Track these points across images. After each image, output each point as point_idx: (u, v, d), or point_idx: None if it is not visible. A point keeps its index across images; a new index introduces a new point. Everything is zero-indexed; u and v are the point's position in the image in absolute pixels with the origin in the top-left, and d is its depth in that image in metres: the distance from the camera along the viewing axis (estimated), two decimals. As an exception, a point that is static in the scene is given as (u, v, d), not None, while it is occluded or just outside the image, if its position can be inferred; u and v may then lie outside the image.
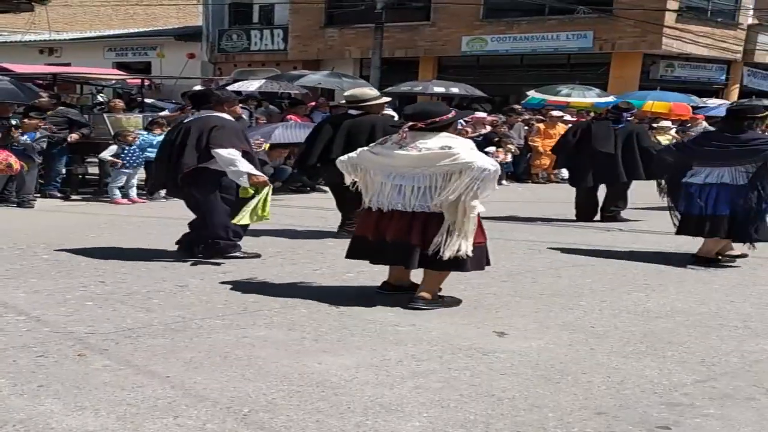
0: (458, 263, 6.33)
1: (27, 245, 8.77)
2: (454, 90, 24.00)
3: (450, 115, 6.52)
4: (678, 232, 9.09)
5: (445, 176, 6.26)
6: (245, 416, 4.19)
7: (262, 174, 8.19)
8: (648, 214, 12.55)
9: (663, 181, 9.43)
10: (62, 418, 4.05)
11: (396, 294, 6.66)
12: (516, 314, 6.37)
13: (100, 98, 22.55)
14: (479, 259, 6.50)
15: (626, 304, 6.85)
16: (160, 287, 7.00)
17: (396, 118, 11.78)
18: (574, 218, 12.11)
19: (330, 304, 6.47)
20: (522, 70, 31.69)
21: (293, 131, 14.80)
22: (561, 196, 14.20)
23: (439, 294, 6.60)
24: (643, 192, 12.29)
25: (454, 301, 6.59)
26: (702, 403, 4.56)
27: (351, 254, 6.87)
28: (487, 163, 6.35)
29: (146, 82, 24.87)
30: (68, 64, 33.62)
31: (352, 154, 6.81)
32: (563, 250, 9.33)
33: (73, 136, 13.04)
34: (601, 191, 12.36)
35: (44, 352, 5.08)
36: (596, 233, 10.94)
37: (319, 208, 12.65)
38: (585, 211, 12.16)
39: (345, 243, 9.12)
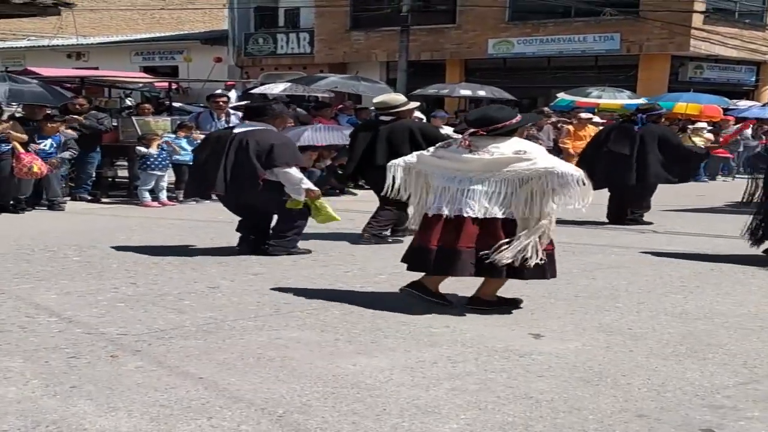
0: (542, 271, 6.24)
1: (58, 247, 8.78)
2: (481, 93, 23.90)
3: (514, 120, 6.31)
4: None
5: (521, 181, 6.09)
6: (280, 417, 4.13)
7: (317, 188, 8.67)
8: (683, 215, 12.42)
9: (754, 184, 9.37)
10: (95, 419, 4.02)
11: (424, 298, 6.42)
12: (551, 316, 6.28)
13: (128, 102, 22.63)
14: (552, 265, 6.36)
15: (664, 305, 6.74)
16: (191, 288, 6.96)
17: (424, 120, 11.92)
18: (606, 220, 12.00)
19: (362, 306, 6.41)
20: (549, 72, 31.58)
21: (322, 134, 14.80)
22: (594, 199, 14.08)
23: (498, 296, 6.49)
24: (681, 192, 12.15)
25: (516, 303, 6.51)
26: (745, 405, 4.46)
27: (414, 266, 6.51)
28: (570, 168, 6.24)
29: (173, 86, 24.94)
30: (96, 68, 33.78)
31: (409, 158, 6.62)
32: (597, 252, 9.23)
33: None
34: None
35: (76, 353, 5.05)
36: (630, 235, 10.82)
37: (348, 210, 12.58)
38: (614, 213, 12.04)
39: (375, 245, 9.13)
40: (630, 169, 11.66)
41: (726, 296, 7.17)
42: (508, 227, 6.12)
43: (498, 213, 6.12)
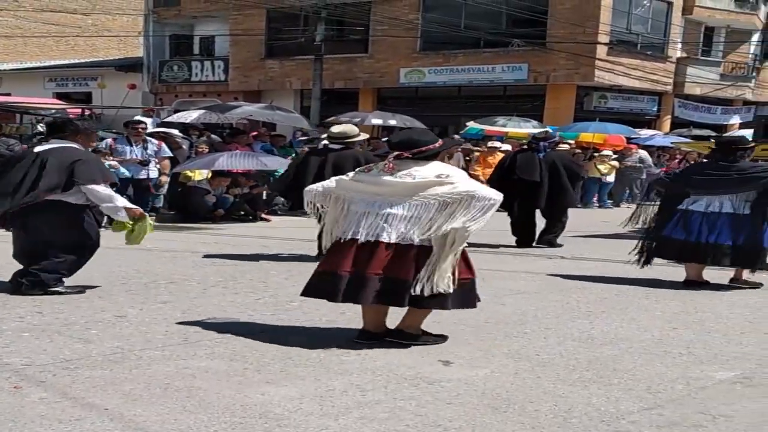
0: (441, 300, 6.02)
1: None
2: (392, 122, 24.10)
3: (437, 144, 6.24)
4: (657, 256, 9.40)
5: (440, 205, 5.96)
6: (187, 449, 4.08)
7: (137, 207, 8.13)
8: (589, 241, 12.64)
9: (640, 208, 9.73)
10: (-4, 454, 3.92)
11: (373, 342, 6.19)
12: (460, 343, 6.31)
13: (39, 128, 22.30)
14: (467, 296, 6.18)
15: (571, 331, 6.83)
16: (98, 317, 6.85)
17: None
18: (514, 245, 12.26)
19: (273, 334, 6.37)
20: (460, 101, 32.03)
21: (238, 159, 14.79)
22: (498, 225, 14.25)
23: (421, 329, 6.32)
24: (585, 219, 12.42)
25: (441, 338, 6.35)
26: (649, 431, 4.53)
27: (311, 293, 6.32)
28: (492, 192, 6.16)
29: (87, 112, 24.64)
30: (8, 94, 33.26)
31: (327, 183, 6.51)
32: (506, 278, 9.33)
33: None
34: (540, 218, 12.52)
35: (-22, 384, 4.93)
36: (538, 260, 10.97)
37: (261, 236, 12.55)
38: (522, 237, 12.42)
39: (285, 271, 9.09)
40: (542, 194, 12.06)
41: (631, 321, 7.30)
42: (423, 254, 5.98)
43: (415, 239, 5.97)
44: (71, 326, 6.52)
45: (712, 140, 21.04)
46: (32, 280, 7.76)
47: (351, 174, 6.48)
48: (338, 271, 6.06)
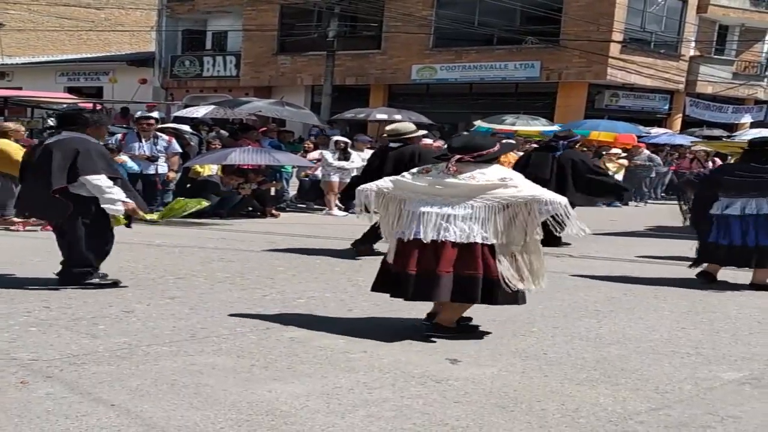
0: (514, 296, 6.24)
1: (-31, 270, 8.59)
2: (398, 117, 24.10)
3: (496, 148, 6.47)
4: (701, 261, 9.29)
5: (503, 207, 6.13)
6: (193, 445, 4.08)
7: (132, 201, 7.95)
8: (598, 239, 12.59)
9: (686, 208, 9.72)
10: (1, 449, 3.93)
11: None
12: (468, 341, 6.29)
13: (50, 122, 22.38)
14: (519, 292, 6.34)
15: (579, 330, 6.82)
16: (106, 313, 6.85)
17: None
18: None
19: (280, 331, 6.37)
20: (471, 98, 31.99)
21: (249, 155, 14.81)
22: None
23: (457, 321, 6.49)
24: (594, 218, 12.34)
25: (475, 331, 6.53)
26: (657, 431, 4.51)
27: (380, 288, 6.53)
28: (555, 196, 6.27)
29: (98, 107, 24.66)
30: (19, 88, 33.36)
31: (383, 182, 6.59)
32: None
33: None
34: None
35: (-15, 379, 4.94)
36: (546, 259, 10.89)
37: (269, 233, 12.55)
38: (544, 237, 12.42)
39: (292, 267, 9.09)
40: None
41: (639, 321, 7.28)
42: (487, 252, 6.14)
43: (477, 238, 6.12)
44: (79, 321, 6.53)
45: (725, 141, 21.03)
46: (65, 276, 7.86)
47: (408, 174, 6.57)
48: (406, 270, 6.22)
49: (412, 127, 10.60)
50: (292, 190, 18.26)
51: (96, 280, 7.92)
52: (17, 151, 11.44)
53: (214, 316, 6.85)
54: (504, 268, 6.16)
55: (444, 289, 6.15)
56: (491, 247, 6.16)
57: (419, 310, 6.59)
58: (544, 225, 11.74)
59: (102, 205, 7.74)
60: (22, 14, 43.03)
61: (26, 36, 44.16)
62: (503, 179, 6.24)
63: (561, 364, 5.78)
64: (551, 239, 12.20)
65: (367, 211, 6.60)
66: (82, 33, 44.68)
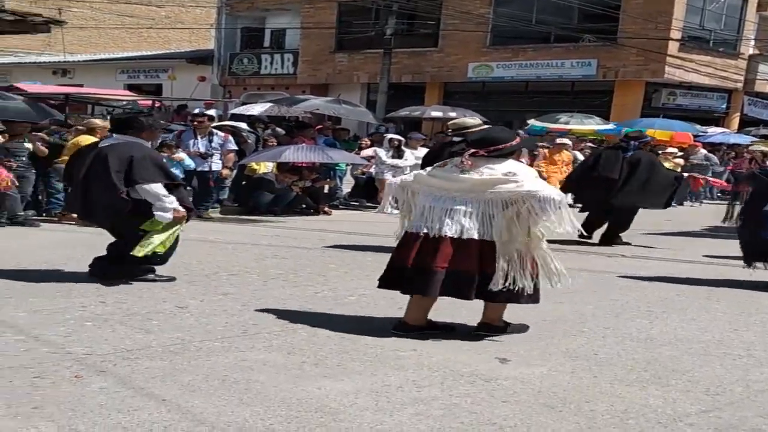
0: (515, 295, 6.11)
1: (29, 264, 8.73)
2: (452, 114, 24.05)
3: (514, 142, 6.33)
4: (751, 258, 9.16)
5: (504, 203, 6.04)
6: (242, 441, 4.13)
7: (182, 209, 8.04)
8: (652, 239, 12.51)
9: (734, 208, 9.60)
10: (55, 441, 4.01)
11: (411, 334, 6.25)
12: (518, 340, 6.29)
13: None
14: (534, 291, 6.23)
15: (630, 331, 6.78)
16: (159, 308, 6.95)
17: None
18: (578, 238, 12.21)
19: (330, 328, 6.40)
20: (526, 96, 31.87)
21: (303, 153, 14.87)
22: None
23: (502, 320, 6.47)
24: (648, 220, 12.29)
25: (522, 327, 6.53)
26: (706, 433, 4.49)
27: (386, 284, 6.46)
28: (554, 192, 6.14)
29: (157, 104, 24.95)
30: (81, 85, 33.81)
31: (407, 177, 6.69)
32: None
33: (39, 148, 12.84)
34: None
35: (41, 372, 5.03)
36: (597, 259, 10.88)
37: (322, 230, 12.61)
38: (606, 236, 12.39)
39: (344, 265, 9.13)
40: (616, 192, 11.96)
41: (691, 322, 7.22)
42: (486, 249, 6.06)
43: (474, 234, 6.06)
44: (133, 316, 6.63)
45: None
46: (121, 271, 7.98)
47: (429, 169, 6.61)
48: (404, 263, 6.21)
49: (477, 121, 10.45)
50: (347, 187, 18.33)
51: (152, 276, 8.07)
52: None
53: (266, 313, 6.91)
54: (503, 265, 6.02)
55: (437, 284, 6.09)
56: (492, 244, 6.06)
57: (469, 309, 6.58)
58: (598, 223, 11.46)
59: (154, 212, 7.82)
60: (84, 12, 43.61)
61: (88, 33, 44.74)
62: (507, 174, 6.12)
63: (611, 364, 5.76)
64: (609, 238, 12.23)
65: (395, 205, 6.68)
66: (142, 30, 45.17)
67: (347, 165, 17.74)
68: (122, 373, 5.12)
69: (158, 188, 7.82)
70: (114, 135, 8.24)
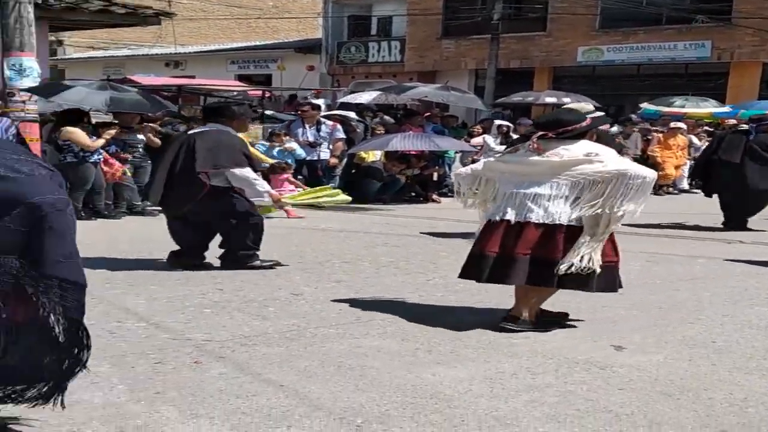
0: (585, 281, 5.92)
1: (149, 252, 8.96)
2: (566, 100, 23.75)
3: (584, 123, 6.13)
4: None
5: (591, 184, 5.86)
6: (358, 427, 4.18)
7: (276, 192, 8.30)
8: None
9: None
10: (177, 426, 4.11)
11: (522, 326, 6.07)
12: (633, 328, 6.21)
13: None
14: (611, 279, 6.06)
15: (749, 318, 6.62)
16: (275, 295, 7.06)
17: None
18: (717, 226, 12.24)
19: (443, 315, 6.42)
20: (638, 80, 31.33)
21: (410, 141, 14.87)
22: (680, 208, 13.97)
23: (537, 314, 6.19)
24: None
25: (555, 321, 6.27)
26: (830, 423, 4.37)
27: (467, 274, 6.31)
28: (644, 170, 5.98)
29: (266, 94, 25.24)
30: (192, 77, 34.41)
31: (475, 165, 6.57)
32: (681, 263, 9.11)
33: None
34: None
35: (162, 358, 5.17)
36: (715, 245, 10.65)
37: (432, 218, 12.63)
38: (733, 220, 12.26)
39: (455, 252, 9.13)
40: (737, 176, 11.78)
41: (814, 309, 7.03)
42: (572, 234, 5.89)
43: (563, 218, 5.90)
44: (250, 303, 6.75)
45: None
46: (228, 260, 8.16)
47: (498, 155, 6.50)
48: (485, 251, 6.07)
49: (590, 107, 10.30)
50: (456, 175, 18.30)
51: (258, 262, 8.18)
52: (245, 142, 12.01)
53: (379, 300, 6.96)
54: (587, 250, 5.82)
55: (519, 272, 5.94)
56: (578, 228, 5.89)
57: (582, 297, 6.52)
58: (733, 210, 11.09)
59: (249, 197, 7.97)
60: (194, 3, 44.31)
61: (198, 25, 45.46)
62: (588, 154, 5.93)
63: (730, 352, 5.64)
64: (735, 224, 12.00)
65: (462, 194, 6.51)
66: (251, 21, 45.68)
67: (456, 153, 17.71)
68: (240, 358, 5.22)
69: (249, 172, 7.96)
70: (207, 123, 8.35)
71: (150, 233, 10.47)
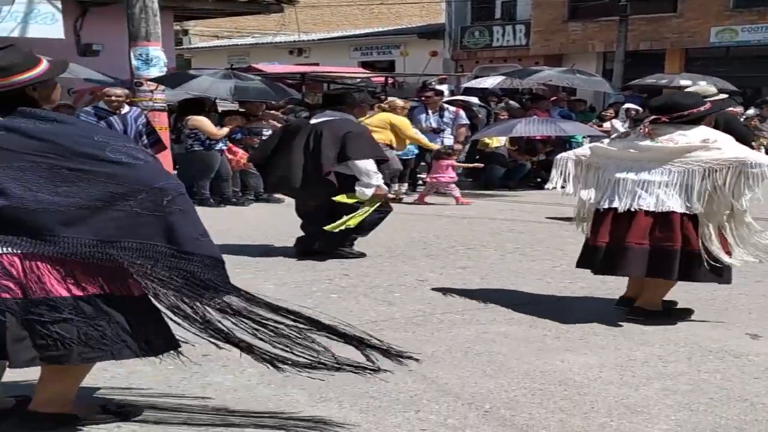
0: (719, 273, 5.74)
1: (275, 239, 9.07)
2: (702, 83, 23.08)
3: (702, 108, 5.90)
4: None
5: (707, 172, 5.65)
6: (486, 412, 4.15)
7: (385, 188, 8.19)
8: None
9: None
10: (307, 408, 4.15)
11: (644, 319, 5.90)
12: (770, 317, 6.03)
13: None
14: (728, 269, 5.84)
15: None
16: (401, 281, 7.08)
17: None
18: None
19: (571, 302, 6.35)
20: (776, 61, 30.31)
21: (535, 126, 14.68)
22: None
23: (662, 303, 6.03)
24: None
25: (686, 312, 6.05)
26: None
27: (582, 263, 6.13)
28: (762, 158, 5.75)
29: (389, 81, 25.31)
30: (316, 64, 34.75)
31: (581, 150, 6.30)
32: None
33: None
34: None
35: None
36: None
37: (557, 203, 12.46)
38: None
39: (583, 238, 8.99)
40: None
41: None
42: (688, 222, 5.69)
43: (676, 206, 5.69)
44: (376, 289, 6.78)
45: None
46: (324, 243, 8.11)
47: (606, 140, 6.32)
48: (596, 242, 5.90)
49: (713, 90, 9.99)
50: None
51: (347, 250, 8.17)
52: (408, 127, 12.47)
53: (505, 286, 6.92)
54: (707, 240, 5.64)
55: (634, 262, 5.73)
56: (693, 216, 5.67)
57: (717, 286, 6.32)
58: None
59: (357, 186, 7.92)
60: (316, -9, 44.72)
61: (320, 12, 45.81)
62: (705, 141, 5.69)
63: None
64: None
65: (566, 180, 6.21)
66: (373, 6, 45.84)
67: (584, 137, 17.43)
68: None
69: (370, 164, 7.94)
70: (326, 111, 8.33)
71: (277, 220, 10.62)
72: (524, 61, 33.83)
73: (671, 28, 31.75)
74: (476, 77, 26.50)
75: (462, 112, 15.26)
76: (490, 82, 21.83)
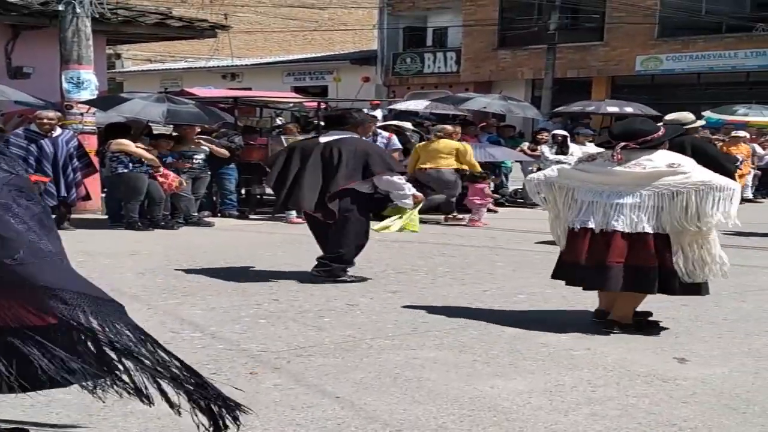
0: (696, 287, 6.11)
1: (205, 263, 8.96)
2: (628, 109, 23.47)
3: (662, 133, 6.24)
4: None
5: (674, 194, 5.94)
6: (415, 439, 4.10)
7: (419, 193, 8.47)
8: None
9: None
10: (233, 436, 4.06)
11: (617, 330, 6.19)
12: (697, 340, 6.08)
13: (278, 121, 23.11)
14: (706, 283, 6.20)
15: (817, 331, 6.45)
16: (331, 306, 7.02)
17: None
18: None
19: (501, 326, 6.33)
20: (699, 88, 30.98)
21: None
22: (744, 217, 13.71)
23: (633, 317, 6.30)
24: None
25: (654, 328, 6.31)
26: None
27: (559, 276, 6.46)
28: (728, 181, 6.09)
29: (322, 105, 25.24)
30: (249, 89, 34.62)
31: (549, 172, 6.59)
32: (747, 273, 8.90)
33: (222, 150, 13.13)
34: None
35: (217, 369, 5.13)
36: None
37: (487, 228, 12.53)
38: None
39: (512, 263, 9.04)
40: None
41: None
42: (660, 242, 6.00)
43: (647, 227, 5.99)
44: (305, 314, 6.71)
45: None
46: (324, 270, 8.07)
47: (574, 163, 6.54)
48: (578, 260, 6.16)
49: (691, 117, 10.27)
50: (514, 184, 18.14)
51: (348, 278, 8.13)
52: (471, 153, 13.33)
53: (436, 311, 6.89)
54: (681, 258, 5.98)
55: (614, 279, 6.03)
56: (665, 236, 5.98)
57: (648, 307, 6.39)
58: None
59: (395, 200, 8.19)
60: (250, 16, 44.64)
61: (254, 38, 45.79)
62: (671, 165, 6.04)
63: (798, 365, 5.49)
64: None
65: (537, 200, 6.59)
66: (306, 33, 45.94)
67: (513, 162, 17.56)
68: (296, 369, 5.18)
69: (398, 178, 8.12)
70: (330, 131, 8.38)
71: (206, 243, 10.51)
72: (455, 87, 34.14)
73: (598, 57, 32.34)
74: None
75: (395, 137, 15.29)
76: (419, 105, 22.00)
